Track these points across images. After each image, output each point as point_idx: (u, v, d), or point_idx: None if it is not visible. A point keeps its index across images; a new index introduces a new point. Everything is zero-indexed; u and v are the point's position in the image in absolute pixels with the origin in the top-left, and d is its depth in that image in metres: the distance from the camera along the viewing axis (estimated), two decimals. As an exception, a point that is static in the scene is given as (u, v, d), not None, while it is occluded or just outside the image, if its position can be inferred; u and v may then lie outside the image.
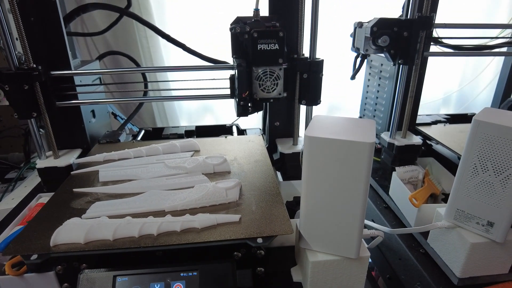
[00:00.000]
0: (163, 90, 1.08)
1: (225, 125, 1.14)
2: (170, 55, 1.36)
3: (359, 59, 0.90)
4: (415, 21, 0.77)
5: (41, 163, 0.81)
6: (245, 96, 0.73)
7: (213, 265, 0.52)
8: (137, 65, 1.19)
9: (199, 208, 0.61)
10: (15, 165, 1.16)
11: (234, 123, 1.15)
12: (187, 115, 1.51)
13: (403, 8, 0.85)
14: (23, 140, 1.21)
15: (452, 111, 1.65)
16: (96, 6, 0.97)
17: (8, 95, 0.74)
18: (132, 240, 0.54)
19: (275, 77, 0.74)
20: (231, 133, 1.10)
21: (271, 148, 0.95)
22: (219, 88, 0.83)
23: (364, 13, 1.28)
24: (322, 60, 0.78)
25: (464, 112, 1.21)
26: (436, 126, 1.03)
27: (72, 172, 0.77)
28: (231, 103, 0.86)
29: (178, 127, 1.15)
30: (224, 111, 1.49)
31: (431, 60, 0.91)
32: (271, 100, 0.77)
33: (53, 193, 0.69)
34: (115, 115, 1.22)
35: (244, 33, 0.70)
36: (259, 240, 0.53)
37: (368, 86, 1.10)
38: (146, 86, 1.14)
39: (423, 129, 0.99)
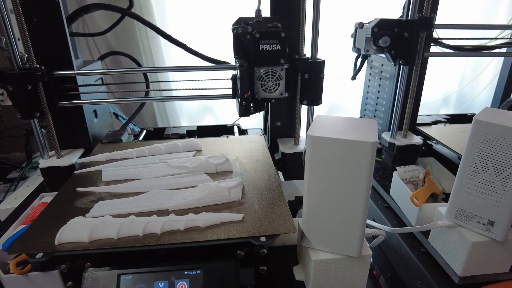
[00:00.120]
0: (164, 90, 1.08)
1: (226, 125, 1.15)
2: (171, 55, 1.36)
3: (359, 60, 0.91)
4: (415, 22, 0.77)
5: (43, 163, 0.82)
6: (247, 96, 0.73)
7: (216, 264, 0.53)
8: (139, 65, 1.20)
9: (202, 207, 0.62)
10: (17, 165, 1.16)
11: (235, 123, 1.16)
12: (188, 115, 1.51)
13: (403, 8, 0.86)
14: (24, 140, 1.21)
15: (451, 111, 1.65)
16: (98, 6, 0.98)
17: (11, 95, 0.74)
18: (136, 239, 0.54)
19: (277, 77, 0.74)
20: (232, 133, 1.10)
21: (273, 148, 0.96)
22: (220, 88, 0.83)
23: (365, 13, 1.28)
24: (324, 61, 0.79)
25: (463, 113, 1.21)
26: (436, 126, 1.04)
27: (75, 172, 0.77)
28: (232, 104, 0.87)
29: (179, 127, 1.15)
30: (224, 111, 1.50)
31: (431, 60, 0.91)
32: (273, 100, 0.77)
33: (56, 193, 0.70)
34: (116, 115, 1.23)
35: (246, 33, 0.71)
36: (262, 239, 0.53)
37: (368, 86, 1.10)
38: (147, 86, 1.14)
39: (423, 129, 1.00)
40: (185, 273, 0.52)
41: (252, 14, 0.77)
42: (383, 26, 0.78)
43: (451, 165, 0.85)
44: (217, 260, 0.53)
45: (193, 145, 0.86)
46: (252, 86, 0.75)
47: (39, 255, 0.51)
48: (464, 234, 0.58)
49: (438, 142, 0.94)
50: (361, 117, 1.17)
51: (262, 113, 1.04)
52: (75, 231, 0.54)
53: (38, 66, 0.75)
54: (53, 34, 0.80)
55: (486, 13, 1.48)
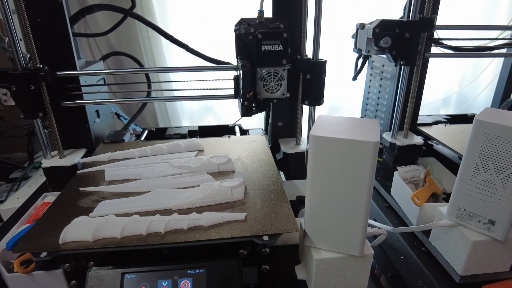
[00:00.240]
0: (166, 90, 1.09)
1: (227, 125, 1.15)
2: (172, 55, 1.37)
3: (360, 60, 0.91)
4: (416, 23, 0.78)
5: (46, 163, 0.82)
6: (249, 97, 0.74)
7: (219, 263, 0.53)
8: (141, 65, 1.20)
9: (205, 206, 0.62)
10: (19, 165, 1.16)
11: (237, 123, 1.16)
12: (189, 115, 1.52)
13: (404, 9, 0.86)
14: (26, 140, 1.22)
15: (452, 111, 1.66)
16: (101, 7, 0.98)
17: (15, 95, 0.75)
18: (140, 238, 0.54)
19: (279, 77, 0.75)
20: (234, 133, 1.11)
21: (274, 148, 0.96)
22: (222, 89, 0.84)
23: (366, 14, 1.29)
24: (325, 61, 0.79)
25: (464, 113, 1.22)
26: (437, 126, 1.04)
27: (78, 172, 0.78)
28: (233, 104, 0.87)
29: (181, 127, 1.16)
30: (225, 112, 1.50)
31: (431, 61, 0.92)
32: (275, 101, 0.78)
33: (58, 193, 0.70)
34: (118, 116, 1.23)
35: (249, 34, 0.71)
36: (265, 238, 0.54)
37: (369, 86, 1.11)
38: (149, 86, 1.15)
39: (424, 129, 1.00)
40: (188, 272, 0.52)
41: (254, 14, 0.77)
42: (384, 27, 0.78)
43: (452, 165, 0.85)
44: (220, 259, 0.54)
45: (195, 145, 0.86)
46: (254, 87, 0.75)
47: (44, 254, 0.52)
48: (465, 234, 0.58)
49: (439, 142, 0.94)
50: (362, 117, 1.17)
51: (263, 113, 1.04)
52: (79, 230, 0.55)
53: (41, 66, 0.75)
54: (56, 34, 0.81)
55: (486, 13, 1.49)
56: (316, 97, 0.81)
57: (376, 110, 1.06)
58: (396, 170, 0.82)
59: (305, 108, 0.87)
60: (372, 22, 0.81)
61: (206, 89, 0.84)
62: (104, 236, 0.55)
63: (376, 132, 0.49)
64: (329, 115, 0.56)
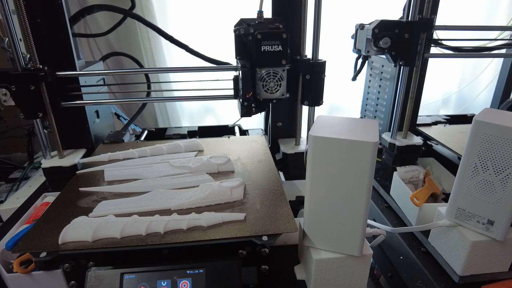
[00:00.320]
0: (166, 90, 1.09)
1: (227, 126, 1.15)
2: (172, 56, 1.37)
3: (360, 61, 0.91)
4: (416, 23, 0.78)
5: (46, 163, 0.82)
6: (249, 97, 0.74)
7: (219, 263, 0.53)
8: (141, 66, 1.20)
9: (205, 206, 0.62)
10: (19, 165, 1.16)
11: (236, 123, 1.16)
12: (189, 115, 1.52)
13: (403, 10, 0.86)
14: (26, 140, 1.22)
15: (451, 112, 1.66)
16: (101, 7, 0.98)
17: (15, 95, 0.75)
18: (139, 238, 0.54)
19: (278, 78, 0.75)
20: (234, 134, 1.11)
21: (274, 148, 0.96)
22: (221, 89, 0.84)
23: (365, 14, 1.29)
24: (325, 62, 0.79)
25: (463, 113, 1.22)
26: (436, 126, 1.04)
27: (77, 172, 0.78)
28: (233, 104, 0.87)
29: (181, 127, 1.16)
30: (225, 112, 1.50)
31: (431, 61, 0.92)
32: (274, 101, 0.78)
33: (58, 193, 0.70)
34: (118, 116, 1.23)
35: (248, 34, 0.71)
36: (264, 238, 0.54)
37: (369, 87, 1.11)
38: (149, 87, 1.15)
39: (423, 129, 1.00)
40: (188, 272, 0.52)
41: (254, 15, 0.77)
42: (383, 27, 0.78)
43: (451, 166, 0.85)
44: (219, 259, 0.54)
45: (195, 145, 0.87)
46: (254, 87, 0.75)
47: (43, 254, 0.52)
48: (464, 234, 0.58)
49: (438, 143, 0.94)
50: (361, 117, 1.17)
51: (263, 113, 1.04)
52: (78, 231, 0.55)
53: (41, 66, 0.75)
54: (56, 34, 0.81)
55: (485, 14, 1.49)
56: (315, 98, 0.82)
57: (376, 111, 1.06)
58: (396, 170, 0.82)
59: (305, 109, 0.87)
60: (371, 23, 0.81)
61: (205, 89, 0.84)
62: (104, 236, 0.55)
63: (375, 133, 0.49)
64: (328, 116, 0.56)
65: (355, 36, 0.88)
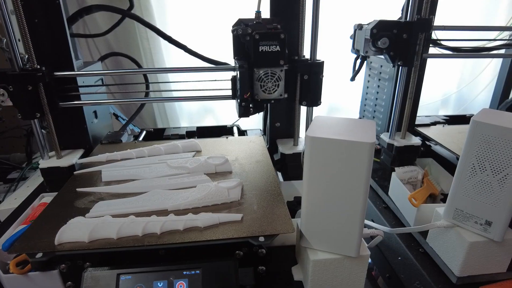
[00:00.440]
0: (164, 91, 1.09)
1: (225, 126, 1.15)
2: (171, 56, 1.36)
3: (359, 61, 0.91)
4: (414, 23, 0.78)
5: (44, 163, 0.82)
6: (246, 97, 0.74)
7: (215, 264, 0.53)
8: (139, 66, 1.20)
9: (202, 207, 0.62)
10: (17, 166, 1.16)
11: (235, 124, 1.16)
12: (188, 116, 1.52)
13: (402, 10, 0.86)
14: (25, 140, 1.22)
15: (450, 112, 1.66)
16: (99, 7, 0.98)
17: (12, 95, 0.75)
18: (136, 238, 0.54)
19: (276, 78, 0.75)
20: (232, 134, 1.11)
21: (272, 148, 0.96)
22: (220, 89, 0.84)
23: (364, 15, 1.29)
24: (323, 62, 0.79)
25: (462, 113, 1.22)
26: (435, 127, 1.04)
27: (75, 172, 0.78)
28: (232, 104, 0.87)
29: (179, 127, 1.16)
30: (224, 112, 1.50)
31: (430, 61, 0.92)
32: (272, 101, 0.78)
33: (56, 193, 0.70)
34: (116, 116, 1.23)
35: (246, 35, 0.71)
36: (261, 239, 0.54)
37: (367, 87, 1.11)
38: (147, 87, 1.15)
39: (422, 130, 1.00)
40: (184, 273, 0.52)
41: (252, 15, 0.77)
42: (382, 28, 0.78)
43: (450, 166, 0.85)
44: (216, 260, 0.54)
45: (192, 146, 0.86)
46: (252, 87, 0.75)
47: (39, 255, 0.52)
48: (461, 234, 0.58)
49: (437, 143, 0.94)
50: (360, 118, 1.17)
51: (261, 113, 1.04)
52: (75, 231, 0.55)
53: (38, 67, 0.75)
54: (54, 35, 0.81)
55: (485, 14, 1.49)
56: (313, 98, 0.81)
57: (374, 111, 1.06)
58: (394, 170, 0.82)
59: (303, 109, 0.87)
60: (370, 23, 0.81)
61: (204, 89, 0.84)
62: (100, 237, 0.55)
63: (373, 133, 0.49)
64: (325, 116, 0.56)
65: (353, 37, 0.88)
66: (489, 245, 0.57)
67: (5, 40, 0.73)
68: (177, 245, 0.53)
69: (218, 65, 0.94)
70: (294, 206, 0.75)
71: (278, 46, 0.71)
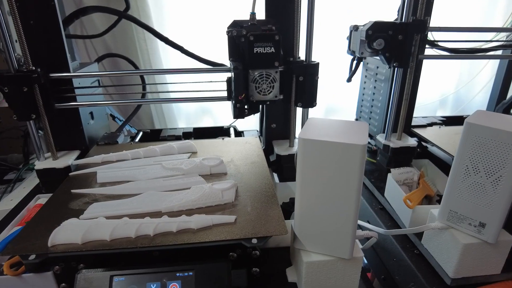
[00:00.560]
0: (161, 92, 1.09)
1: (222, 127, 1.15)
2: (168, 57, 1.36)
3: (355, 62, 0.91)
4: (409, 25, 0.78)
5: (39, 165, 0.82)
6: (241, 99, 0.74)
7: (208, 265, 0.53)
8: (136, 67, 1.20)
9: (195, 209, 0.62)
10: (14, 166, 1.16)
11: (232, 125, 1.16)
12: (186, 116, 1.52)
13: (398, 11, 0.86)
14: (22, 141, 1.22)
15: (449, 113, 1.66)
16: (95, 9, 0.98)
17: (8, 97, 0.75)
18: (129, 240, 0.54)
19: (271, 79, 0.75)
20: (229, 135, 1.11)
21: (268, 149, 0.96)
22: (216, 91, 0.84)
23: (360, 16, 1.29)
24: (318, 63, 0.79)
25: (460, 114, 1.22)
26: (431, 128, 1.04)
27: (70, 174, 0.78)
28: (229, 105, 0.87)
29: (176, 128, 1.16)
30: (222, 113, 1.50)
31: (428, 62, 0.92)
32: (268, 103, 0.78)
33: (51, 194, 0.70)
34: (113, 117, 1.23)
35: (241, 36, 0.71)
36: (254, 241, 0.54)
37: (364, 88, 1.11)
38: (144, 88, 1.15)
39: (418, 131, 1.00)
40: (177, 274, 0.52)
41: (247, 17, 0.77)
42: (377, 29, 0.78)
43: (446, 167, 0.85)
44: (209, 261, 0.54)
45: (188, 147, 0.86)
46: (247, 89, 0.75)
47: (32, 256, 0.52)
48: (456, 236, 0.58)
49: (433, 144, 0.94)
50: (356, 119, 1.17)
51: (258, 114, 1.04)
52: (68, 233, 0.55)
53: (34, 68, 0.75)
54: (50, 36, 0.81)
55: (483, 15, 1.49)
56: (309, 99, 0.81)
57: (371, 112, 1.06)
58: (390, 172, 0.81)
59: (300, 110, 0.87)
60: (365, 24, 0.81)
61: (200, 90, 0.84)
62: (93, 239, 0.54)
63: (365, 135, 0.49)
64: (319, 118, 0.56)
65: (349, 38, 0.88)
66: (483, 247, 0.57)
67: (0, 41, 0.73)
68: (170, 246, 0.53)
69: (215, 66, 0.94)
70: (290, 207, 0.75)
71: (273, 48, 0.72)
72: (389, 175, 0.80)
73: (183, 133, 1.09)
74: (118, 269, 0.53)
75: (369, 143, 1.04)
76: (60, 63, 0.83)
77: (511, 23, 1.07)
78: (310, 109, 0.86)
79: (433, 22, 0.85)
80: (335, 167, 0.49)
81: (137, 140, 1.08)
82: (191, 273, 0.52)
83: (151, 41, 1.32)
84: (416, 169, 0.84)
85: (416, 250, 0.69)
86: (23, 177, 1.04)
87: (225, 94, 0.83)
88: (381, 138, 0.92)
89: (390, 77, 0.92)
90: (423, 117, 1.12)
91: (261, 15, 0.82)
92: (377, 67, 1.00)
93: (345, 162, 0.48)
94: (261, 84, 0.75)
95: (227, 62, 0.88)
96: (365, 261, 0.86)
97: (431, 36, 0.91)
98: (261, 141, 0.99)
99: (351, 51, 0.89)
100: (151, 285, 0.52)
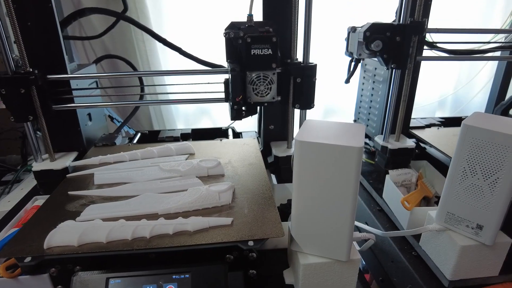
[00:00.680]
0: (159, 94, 1.09)
1: (221, 128, 1.15)
2: (167, 58, 1.36)
3: (353, 63, 0.91)
4: (407, 26, 0.78)
5: (37, 166, 0.82)
6: (238, 100, 0.74)
7: (205, 268, 0.53)
8: (134, 68, 1.20)
9: (192, 211, 0.62)
10: (12, 168, 1.16)
11: (231, 126, 1.16)
12: (184, 117, 1.51)
13: (396, 13, 0.86)
14: (20, 142, 1.22)
15: (448, 114, 1.66)
16: (93, 10, 0.98)
17: (5, 98, 0.75)
18: (125, 242, 0.54)
19: (268, 81, 0.75)
20: (227, 136, 1.10)
21: (266, 151, 0.96)
22: (214, 92, 0.84)
23: (359, 17, 1.29)
24: (315, 65, 0.79)
25: (459, 115, 1.22)
26: (430, 129, 1.04)
27: (67, 175, 0.78)
28: (228, 106, 0.87)
29: (174, 130, 1.15)
30: (221, 114, 1.50)
31: (426, 63, 0.92)
32: (265, 104, 0.78)
33: (48, 196, 0.70)
34: (111, 118, 1.23)
35: (238, 38, 0.71)
36: (250, 243, 0.53)
37: (362, 89, 1.10)
38: (142, 89, 1.15)
39: (416, 132, 1.00)
40: (174, 276, 0.52)
41: (245, 18, 0.77)
42: (375, 30, 0.78)
43: (444, 169, 0.84)
44: (205, 264, 0.54)
45: (185, 149, 0.86)
46: (244, 90, 0.75)
47: (28, 259, 0.52)
48: (453, 238, 0.58)
49: (432, 146, 0.94)
50: (355, 120, 1.17)
51: (257, 116, 1.04)
52: (64, 235, 0.55)
53: (31, 70, 0.75)
54: (47, 38, 0.81)
55: (482, 16, 1.49)
56: (306, 101, 0.81)
57: (369, 113, 1.06)
58: (388, 173, 0.81)
59: (298, 112, 0.87)
60: (363, 26, 0.81)
61: (199, 92, 0.84)
62: (90, 241, 0.54)
63: (361, 137, 0.49)
64: (316, 120, 0.56)
65: (347, 39, 0.88)
66: (480, 249, 0.57)
67: (-2, 43, 0.73)
68: (166, 249, 0.53)
69: (213, 68, 0.94)
70: (288, 208, 0.75)
71: (270, 49, 0.71)
72: (387, 176, 0.80)
73: (181, 134, 1.09)
74: (114, 272, 0.53)
75: (367, 144, 1.04)
76: (57, 64, 0.83)
77: (510, 24, 1.07)
78: (308, 110, 0.86)
79: (431, 24, 0.85)
80: (331, 170, 0.48)
81: (135, 141, 1.08)
82: (187, 276, 0.52)
83: (149, 43, 1.32)
84: (414, 170, 0.84)
85: (414, 252, 0.69)
86: (21, 178, 1.04)
87: (223, 95, 0.83)
88: (379, 139, 0.92)
89: (388, 78, 0.92)
90: (421, 118, 1.12)
91: (258, 16, 0.82)
92: (375, 69, 1.00)
93: (341, 164, 0.48)
94: (258, 85, 0.74)
95: (225, 64, 0.88)
96: (363, 263, 0.86)
97: (429, 37, 0.91)
98: (259, 143, 0.99)
99: (349, 53, 0.89)
100: (147, 288, 0.51)
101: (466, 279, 0.60)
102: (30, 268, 0.55)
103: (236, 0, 1.19)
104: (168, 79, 1.36)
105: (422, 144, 0.99)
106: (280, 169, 0.89)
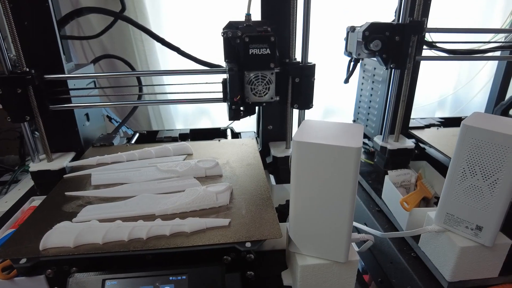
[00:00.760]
0: (158, 94, 1.08)
1: (219, 128, 1.14)
2: (166, 58, 1.36)
3: (352, 63, 0.91)
4: (406, 26, 0.77)
5: (34, 166, 0.81)
6: (236, 100, 0.73)
7: (202, 269, 0.52)
8: (132, 68, 1.19)
9: (189, 212, 0.62)
10: (10, 168, 1.16)
11: (229, 126, 1.15)
12: (183, 118, 1.51)
13: (395, 12, 0.86)
14: (18, 142, 1.21)
15: (447, 114, 1.65)
16: (91, 10, 0.98)
17: (1, 98, 0.74)
18: (122, 243, 0.54)
19: (266, 81, 0.74)
20: (226, 136, 1.10)
21: (265, 151, 0.96)
22: (213, 92, 0.83)
23: (358, 17, 1.28)
24: (314, 65, 0.79)
25: (459, 115, 1.21)
26: (429, 129, 1.03)
27: (64, 176, 0.77)
28: (226, 106, 0.86)
29: (172, 130, 1.15)
30: (220, 114, 1.49)
31: (426, 63, 0.91)
32: (264, 104, 0.77)
33: (45, 197, 0.69)
34: (110, 118, 1.22)
35: (236, 37, 0.70)
36: (248, 244, 0.53)
37: (361, 89, 1.10)
38: (140, 89, 1.14)
39: (416, 132, 0.99)
40: (170, 278, 0.52)
41: (243, 18, 0.77)
42: (374, 30, 0.78)
43: (444, 169, 0.83)
44: (202, 265, 0.53)
45: (183, 149, 0.86)
46: (242, 90, 0.74)
47: (23, 260, 0.51)
48: (452, 239, 0.58)
49: (431, 146, 0.93)
50: (354, 120, 1.17)
51: (255, 115, 1.03)
52: (60, 236, 0.54)
53: (28, 69, 0.75)
54: (44, 38, 0.80)
55: (481, 16, 1.49)
56: (305, 101, 0.81)
57: (368, 113, 1.05)
58: (387, 174, 0.81)
59: (297, 112, 0.86)
60: (362, 25, 0.81)
61: (197, 92, 0.84)
62: (86, 242, 0.54)
63: (360, 138, 0.49)
64: (314, 120, 0.55)
65: (346, 39, 0.87)
66: (480, 250, 0.57)
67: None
68: (163, 250, 0.53)
69: (212, 67, 0.93)
70: (286, 209, 0.75)
71: (268, 49, 0.71)
72: (386, 177, 0.80)
73: (180, 134, 1.09)
74: (110, 273, 0.52)
75: (366, 144, 1.04)
76: (54, 64, 0.83)
77: (510, 24, 1.07)
78: (307, 110, 0.85)
79: (430, 23, 0.85)
80: (329, 170, 0.48)
81: (133, 141, 1.07)
82: (184, 277, 0.52)
83: (148, 42, 1.31)
84: (413, 171, 0.84)
85: (413, 253, 0.68)
86: (19, 178, 1.04)
87: (221, 95, 0.82)
88: (378, 139, 0.92)
89: (388, 78, 0.91)
90: (421, 118, 1.11)
91: (257, 16, 0.81)
92: (375, 68, 1.00)
93: (339, 165, 0.47)
94: (256, 85, 0.74)
95: (224, 63, 0.88)
96: (362, 264, 0.85)
97: (429, 37, 0.90)
98: (258, 143, 0.98)
99: (348, 52, 0.88)
100: (144, 289, 0.51)
101: (466, 280, 0.59)
102: (25, 269, 0.55)
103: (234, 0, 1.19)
104: (166, 79, 1.35)
105: (421, 145, 0.99)
106: (279, 169, 0.88)
